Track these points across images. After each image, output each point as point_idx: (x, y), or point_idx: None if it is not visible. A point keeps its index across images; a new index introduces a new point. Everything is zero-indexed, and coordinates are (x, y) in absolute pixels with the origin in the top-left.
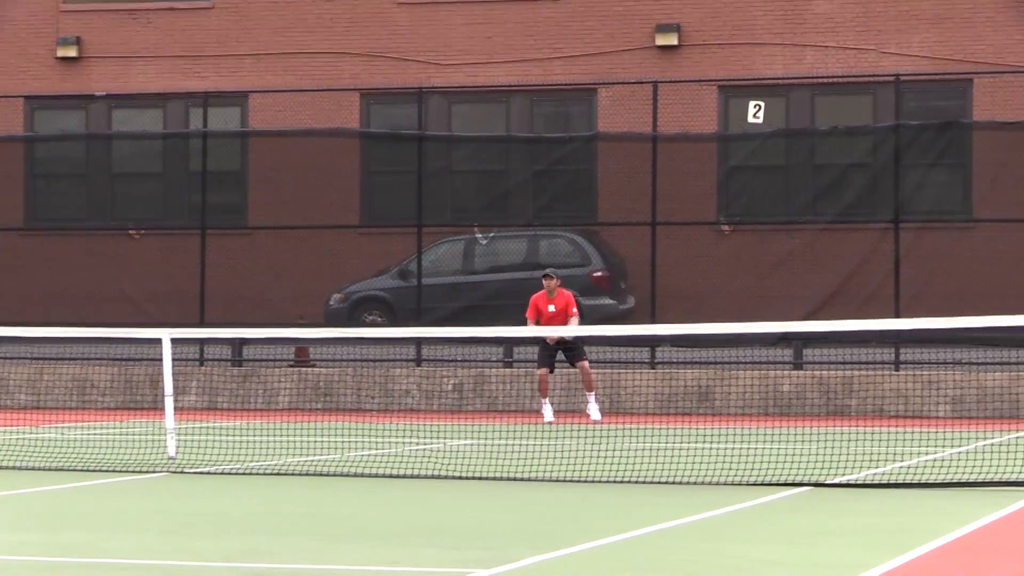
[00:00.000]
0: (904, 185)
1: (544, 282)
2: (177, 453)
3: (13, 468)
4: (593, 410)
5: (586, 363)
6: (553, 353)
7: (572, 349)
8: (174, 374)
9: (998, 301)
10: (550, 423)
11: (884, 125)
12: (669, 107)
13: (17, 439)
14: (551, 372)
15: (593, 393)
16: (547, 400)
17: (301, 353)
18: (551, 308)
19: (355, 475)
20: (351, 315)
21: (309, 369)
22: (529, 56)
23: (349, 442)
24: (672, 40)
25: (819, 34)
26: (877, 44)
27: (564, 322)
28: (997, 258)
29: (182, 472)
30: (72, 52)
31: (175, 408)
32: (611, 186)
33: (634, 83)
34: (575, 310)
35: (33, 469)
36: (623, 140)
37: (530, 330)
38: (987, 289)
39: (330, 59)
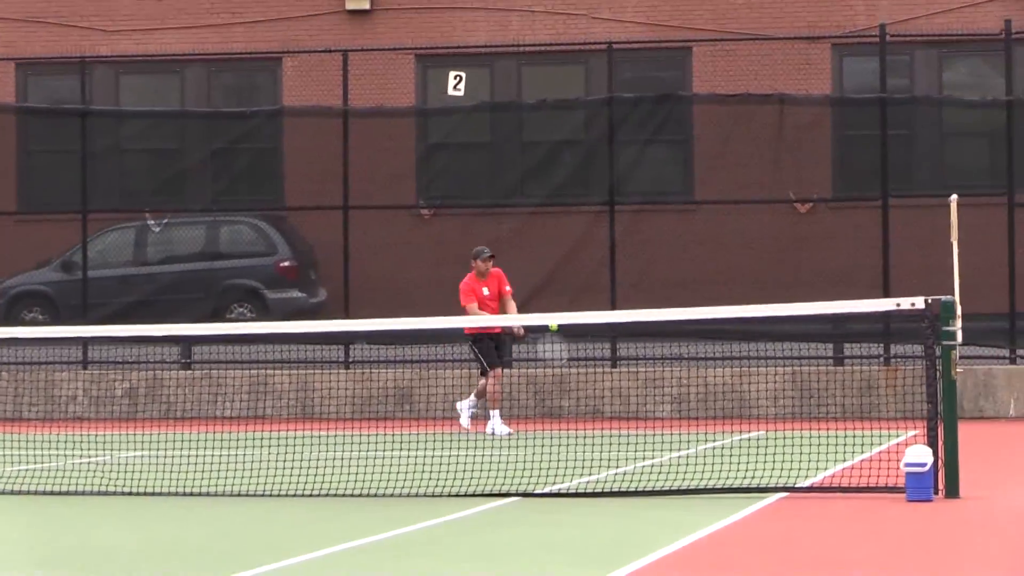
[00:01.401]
0: (619, 163)
1: (479, 264)
2: None
3: None
4: (496, 423)
5: (500, 372)
6: (494, 347)
7: (502, 345)
8: None
9: (723, 290)
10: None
11: (597, 97)
12: (362, 78)
13: None
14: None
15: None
16: (498, 410)
17: None
18: (485, 291)
19: (12, 492)
20: (8, 313)
21: None
22: (205, 21)
23: (6, 456)
24: (364, 4)
25: None
26: (588, 9)
27: (500, 307)
28: (721, 243)
29: None
30: None
31: None
32: (299, 166)
33: (322, 51)
34: (508, 288)
35: None
36: (311, 115)
37: (208, 327)
38: (711, 277)
39: None
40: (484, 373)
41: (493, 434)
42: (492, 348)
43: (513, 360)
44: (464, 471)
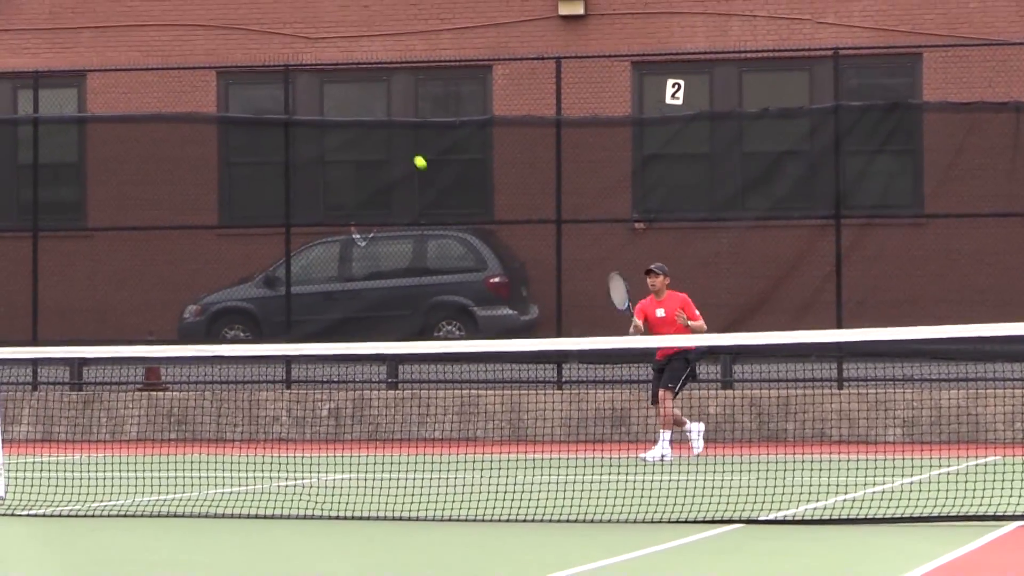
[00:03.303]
0: (845, 175)
1: (648, 280)
2: (7, 492)
3: None
4: (656, 448)
5: (666, 394)
6: (659, 371)
7: (669, 371)
8: (3, 400)
9: (954, 308)
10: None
11: (822, 106)
12: (575, 86)
13: None
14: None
15: (668, 431)
16: (669, 432)
17: (151, 375)
18: (659, 312)
19: (216, 516)
20: (209, 330)
21: (161, 393)
22: (413, 28)
23: (209, 478)
24: (578, 9)
25: (746, 2)
26: (813, 13)
27: (677, 332)
28: (952, 258)
29: (13, 515)
30: None
31: (4, 440)
32: (509, 178)
33: (535, 59)
34: (697, 313)
35: None
36: (522, 125)
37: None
38: (942, 294)
39: (181, 32)
40: (653, 401)
41: (647, 459)
42: (657, 373)
43: (734, 381)
44: (684, 496)
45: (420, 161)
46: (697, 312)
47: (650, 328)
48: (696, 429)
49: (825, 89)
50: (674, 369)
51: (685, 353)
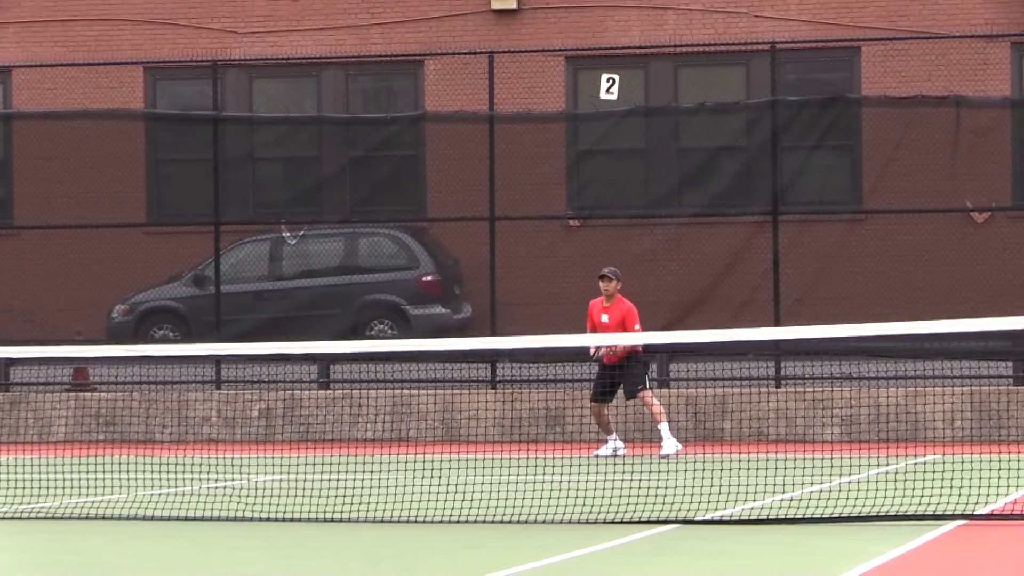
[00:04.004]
0: (783, 170)
1: (600, 284)
2: None
3: None
4: (667, 443)
5: (647, 394)
6: (607, 378)
7: (630, 376)
8: None
9: (893, 305)
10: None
11: (759, 101)
12: (508, 81)
13: None
14: (607, 403)
15: (665, 424)
16: (614, 435)
17: (80, 375)
18: (604, 318)
19: (145, 518)
20: (138, 329)
21: (89, 394)
22: (343, 23)
23: (138, 479)
24: (511, 3)
25: None
26: (750, 7)
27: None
28: (891, 255)
29: None
30: None
31: None
32: (442, 175)
33: (467, 53)
34: (638, 327)
35: None
36: (455, 120)
37: (348, 345)
38: (881, 291)
39: (108, 27)
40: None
41: (668, 456)
42: (604, 377)
43: (670, 380)
44: (619, 497)
45: None
46: (637, 326)
47: (594, 330)
48: (615, 448)
49: (762, 83)
50: (633, 374)
51: (637, 356)
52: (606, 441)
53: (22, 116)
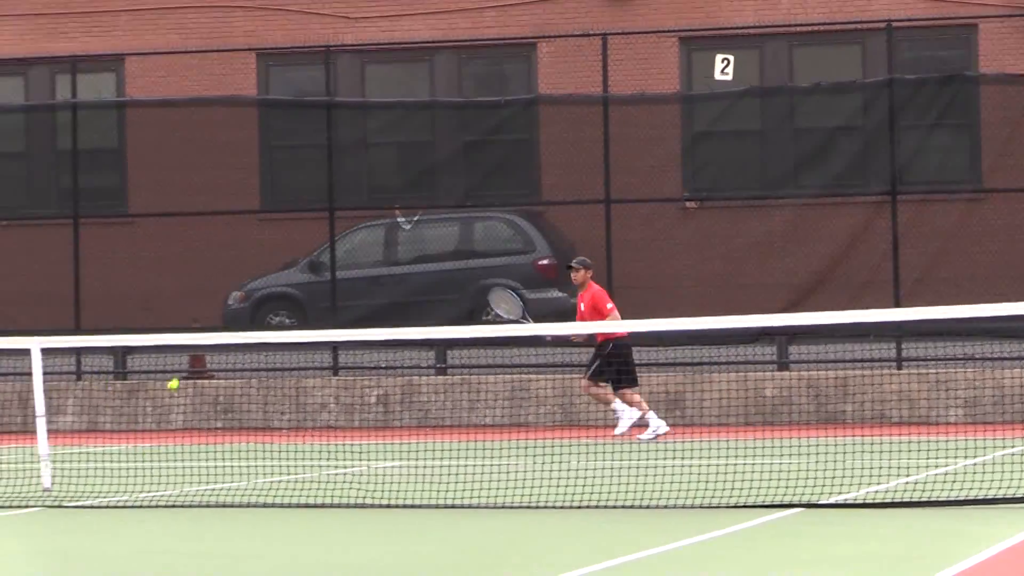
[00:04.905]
0: (901, 150)
1: (570, 275)
2: (53, 484)
3: None
4: (621, 422)
5: (627, 392)
6: (611, 364)
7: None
8: (46, 390)
9: (1015, 284)
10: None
11: (875, 80)
12: (622, 63)
13: None
14: (633, 388)
15: (618, 403)
16: (651, 412)
17: (196, 363)
18: (581, 306)
19: (263, 506)
20: (254, 316)
21: (206, 381)
22: (456, 6)
23: (256, 467)
24: None
25: None
26: None
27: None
28: (1012, 233)
29: (60, 506)
30: None
31: (49, 431)
32: (556, 158)
33: (580, 36)
34: (610, 306)
35: None
36: (569, 103)
37: (471, 329)
38: (1002, 270)
39: (220, 14)
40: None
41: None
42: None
43: (790, 363)
44: (742, 481)
45: (173, 385)
46: (609, 306)
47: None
48: (655, 428)
49: (878, 62)
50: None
51: (607, 342)
52: (646, 425)
53: (135, 104)
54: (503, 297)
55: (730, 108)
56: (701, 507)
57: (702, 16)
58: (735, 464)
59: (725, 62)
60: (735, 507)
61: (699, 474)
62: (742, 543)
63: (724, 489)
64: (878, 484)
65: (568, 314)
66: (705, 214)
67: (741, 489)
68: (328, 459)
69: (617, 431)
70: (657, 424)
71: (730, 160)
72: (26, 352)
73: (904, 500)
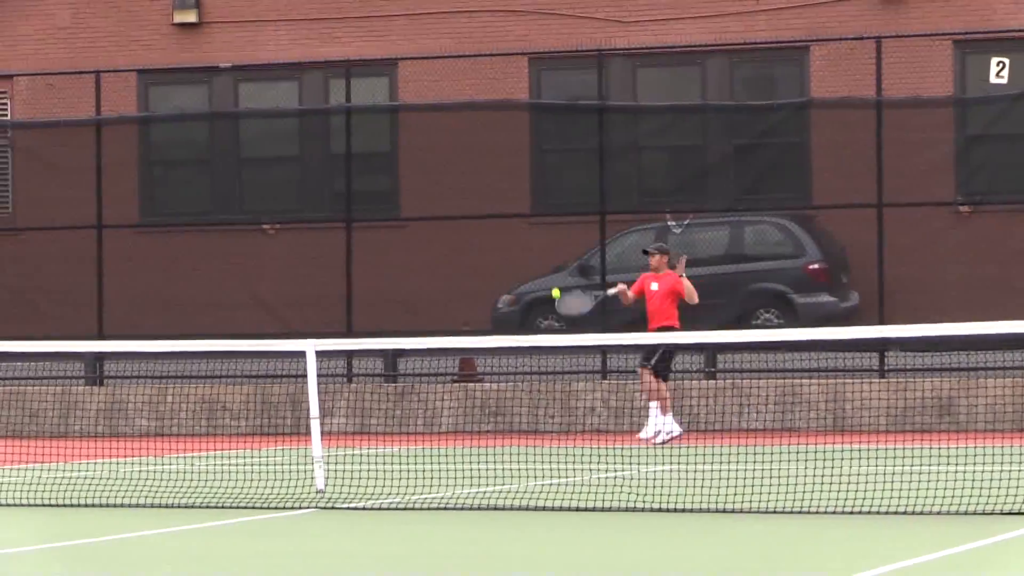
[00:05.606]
0: None
1: (650, 260)
2: (326, 485)
3: (134, 506)
4: (648, 426)
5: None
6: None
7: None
8: (319, 392)
9: None
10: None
11: None
12: (895, 67)
13: (137, 472)
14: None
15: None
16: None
17: (467, 366)
18: (654, 286)
19: (533, 508)
20: (524, 320)
21: (476, 384)
22: (727, 10)
23: (525, 470)
24: None
25: None
26: None
27: (660, 308)
28: None
29: (332, 508)
30: (191, 17)
31: (322, 432)
32: (827, 162)
33: (853, 39)
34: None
35: (156, 507)
36: (841, 107)
37: (735, 334)
38: None
39: (493, 18)
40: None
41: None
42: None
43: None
44: (1016, 487)
45: (556, 293)
46: (685, 279)
47: (642, 295)
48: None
49: None
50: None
51: (671, 329)
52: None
53: (408, 108)
54: (571, 304)
55: (1005, 111)
56: (974, 513)
57: (977, 18)
58: (1009, 471)
59: (1000, 65)
60: (1009, 513)
61: (972, 481)
62: (1019, 550)
63: (998, 496)
64: None
65: (838, 319)
66: (978, 218)
67: (1016, 496)
68: (597, 462)
69: (642, 434)
70: (671, 426)
71: (1005, 163)
72: (297, 354)
73: None
